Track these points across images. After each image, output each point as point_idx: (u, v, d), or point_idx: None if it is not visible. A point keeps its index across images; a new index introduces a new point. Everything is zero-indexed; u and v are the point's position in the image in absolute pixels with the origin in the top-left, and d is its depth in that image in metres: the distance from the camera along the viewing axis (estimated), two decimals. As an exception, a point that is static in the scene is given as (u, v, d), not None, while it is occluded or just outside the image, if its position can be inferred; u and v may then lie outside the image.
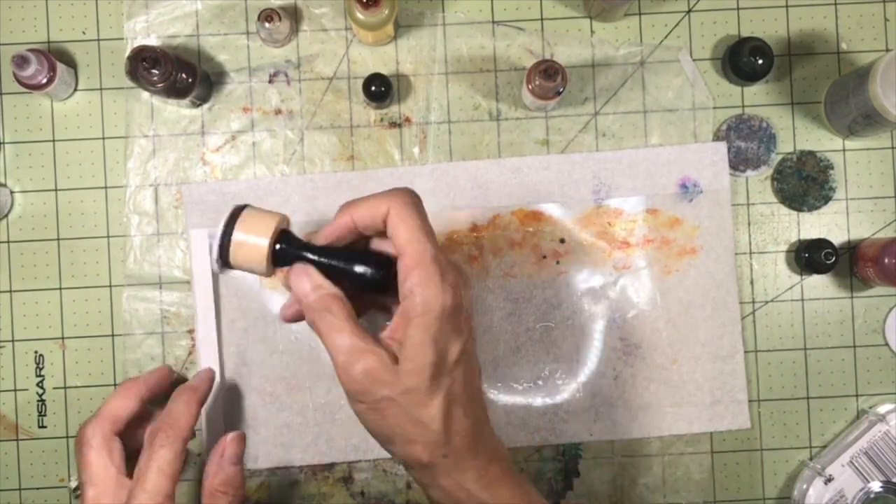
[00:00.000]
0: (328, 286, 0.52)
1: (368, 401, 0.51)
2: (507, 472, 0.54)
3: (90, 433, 0.59)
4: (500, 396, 0.69)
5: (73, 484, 0.64)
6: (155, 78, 0.63)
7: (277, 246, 0.52)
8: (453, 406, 0.52)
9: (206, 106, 0.70)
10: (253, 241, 0.52)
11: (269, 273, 0.53)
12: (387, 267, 0.52)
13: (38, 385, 0.70)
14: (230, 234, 0.52)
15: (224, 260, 0.52)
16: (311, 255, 0.53)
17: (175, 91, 0.66)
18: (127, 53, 0.69)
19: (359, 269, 0.52)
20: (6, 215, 0.70)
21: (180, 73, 0.65)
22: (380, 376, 0.50)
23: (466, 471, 0.53)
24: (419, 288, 0.50)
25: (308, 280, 0.52)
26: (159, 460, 0.57)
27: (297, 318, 0.55)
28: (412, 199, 0.52)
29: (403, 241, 0.51)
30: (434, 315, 0.50)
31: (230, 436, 0.61)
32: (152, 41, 0.70)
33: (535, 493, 0.56)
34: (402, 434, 0.52)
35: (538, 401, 0.69)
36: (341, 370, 0.51)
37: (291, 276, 0.53)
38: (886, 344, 0.71)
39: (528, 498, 0.55)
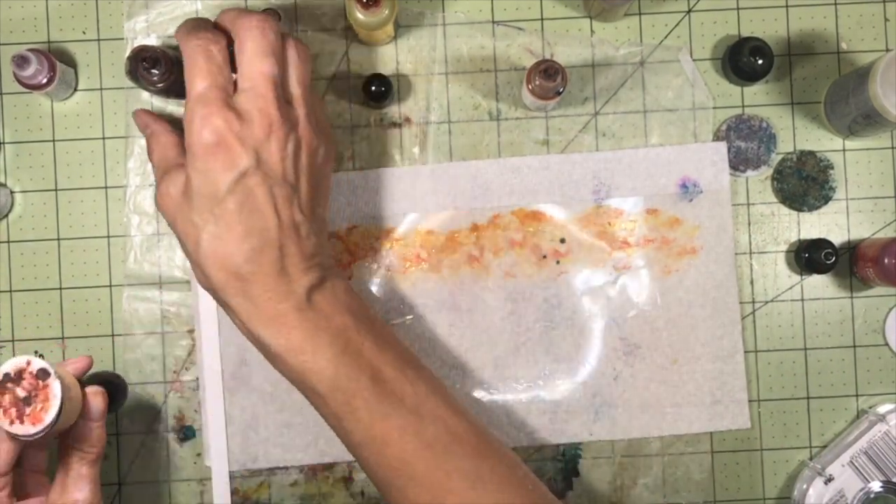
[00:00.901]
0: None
1: (169, 226, 0.57)
2: (299, 317, 0.55)
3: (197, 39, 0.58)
4: (500, 396, 0.69)
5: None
6: (155, 78, 0.63)
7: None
8: (216, 241, 0.54)
9: (206, 106, 0.70)
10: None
11: None
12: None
13: (38, 385, 0.70)
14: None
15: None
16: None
17: (175, 91, 0.65)
18: (127, 53, 0.69)
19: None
20: (6, 215, 0.70)
21: (180, 73, 0.65)
22: (167, 204, 0.56)
23: (237, 306, 0.55)
24: (187, 126, 0.54)
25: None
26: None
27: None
28: (200, 41, 0.55)
29: (186, 83, 0.56)
30: (194, 154, 0.54)
31: (90, 390, 0.58)
32: (152, 41, 0.70)
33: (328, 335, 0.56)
34: (186, 256, 0.57)
35: (538, 401, 0.69)
36: (155, 193, 0.58)
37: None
38: (886, 344, 0.71)
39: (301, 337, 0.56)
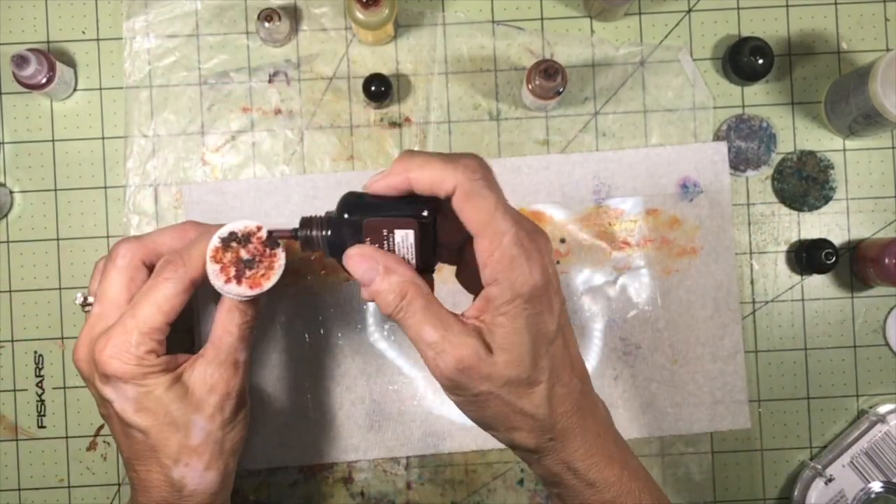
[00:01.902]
0: (400, 267, 0.48)
1: (465, 395, 0.48)
2: (615, 446, 0.52)
3: (122, 252, 0.56)
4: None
5: (80, 298, 0.61)
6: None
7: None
8: (556, 386, 0.49)
9: (205, 106, 0.70)
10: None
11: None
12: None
13: (37, 385, 0.70)
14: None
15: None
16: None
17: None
18: (125, 52, 0.69)
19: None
20: (6, 215, 0.70)
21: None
22: (476, 370, 0.47)
23: (575, 450, 0.50)
24: (503, 274, 0.46)
25: (373, 264, 0.48)
26: (159, 292, 0.53)
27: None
28: (483, 174, 0.47)
29: (479, 224, 0.47)
30: (523, 300, 0.46)
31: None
32: (152, 41, 0.70)
33: (642, 467, 0.54)
34: (505, 422, 0.49)
35: (538, 401, 0.69)
36: (432, 365, 0.47)
37: (352, 266, 0.49)
38: (887, 344, 0.71)
39: (636, 475, 0.52)
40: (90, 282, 0.59)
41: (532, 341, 0.47)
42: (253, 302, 0.56)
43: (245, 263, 0.53)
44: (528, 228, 0.48)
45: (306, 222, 0.51)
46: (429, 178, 0.47)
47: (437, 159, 0.47)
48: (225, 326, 0.56)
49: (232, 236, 0.53)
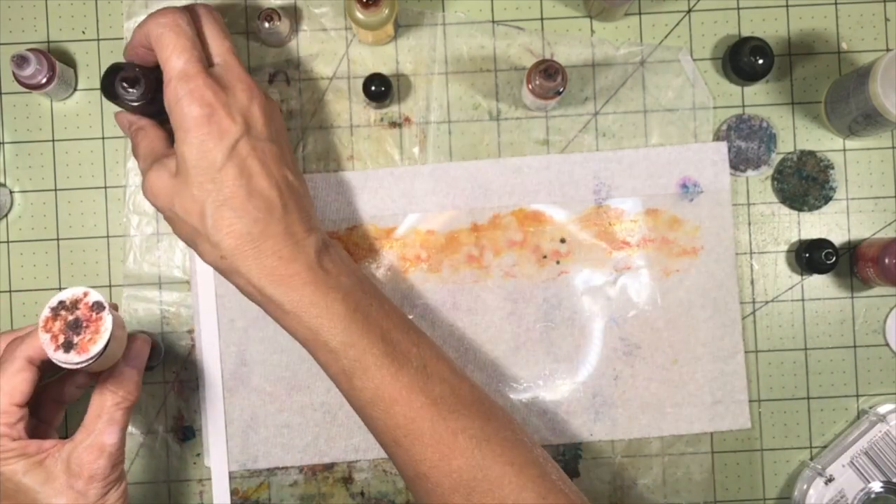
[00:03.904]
0: (124, 116, 0.63)
1: (164, 213, 0.59)
2: (308, 270, 0.57)
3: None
4: (500, 396, 0.69)
5: None
6: (132, 95, 0.62)
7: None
8: (222, 209, 0.55)
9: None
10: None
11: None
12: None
13: (37, 385, 0.70)
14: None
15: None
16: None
17: (149, 110, 0.64)
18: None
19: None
20: (6, 215, 0.70)
21: (157, 89, 0.62)
22: (160, 189, 0.57)
23: (249, 269, 0.56)
24: (172, 105, 0.55)
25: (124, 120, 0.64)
26: None
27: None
28: (167, 20, 0.57)
29: (162, 65, 0.57)
30: (182, 130, 0.55)
31: (137, 336, 0.59)
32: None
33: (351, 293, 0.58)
34: (189, 238, 0.58)
35: (538, 401, 0.69)
36: (143, 185, 0.59)
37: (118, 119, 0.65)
38: (887, 344, 0.71)
39: (332, 296, 0.57)
40: None
41: (193, 161, 0.55)
42: (123, 382, 0.57)
43: (73, 329, 0.52)
44: (225, 69, 0.58)
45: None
46: (139, 38, 0.59)
47: (143, 21, 0.59)
48: (94, 408, 0.56)
49: (61, 304, 0.53)
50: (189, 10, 0.59)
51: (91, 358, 0.52)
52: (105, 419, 0.56)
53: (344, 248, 0.69)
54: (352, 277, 0.59)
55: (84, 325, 0.52)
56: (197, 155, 0.55)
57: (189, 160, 0.55)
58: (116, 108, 0.70)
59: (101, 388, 0.57)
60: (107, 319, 0.53)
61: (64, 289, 0.55)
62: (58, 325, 0.52)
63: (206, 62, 0.57)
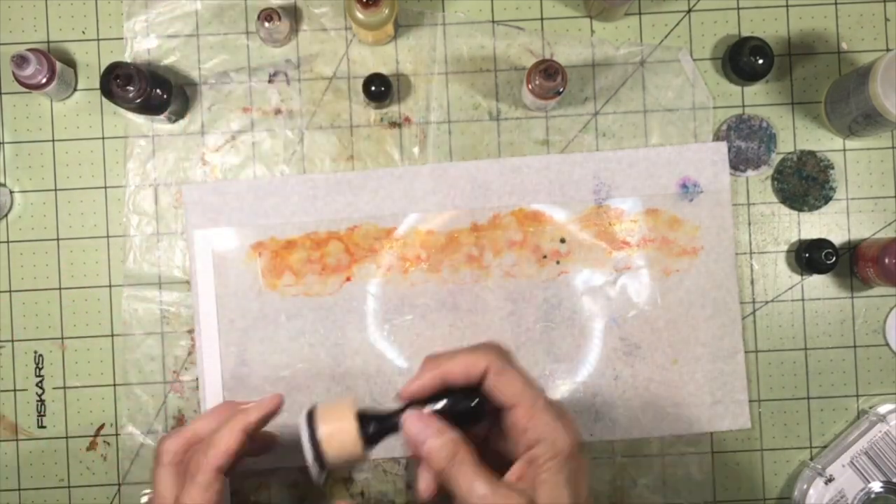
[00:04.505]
0: (450, 430, 0.53)
1: None
2: None
3: (165, 449, 0.59)
4: (500, 396, 0.69)
5: (145, 499, 0.63)
6: (130, 94, 0.63)
7: (369, 426, 0.53)
8: None
9: (205, 106, 0.70)
10: (339, 429, 0.53)
11: (365, 457, 0.54)
12: (477, 395, 0.53)
13: (37, 385, 0.70)
14: (315, 434, 0.53)
15: (321, 461, 0.53)
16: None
17: (150, 108, 0.65)
18: (125, 54, 0.69)
19: (462, 405, 0.53)
20: (6, 215, 0.70)
21: (154, 89, 0.65)
22: None
23: None
24: (546, 434, 0.51)
25: (427, 426, 0.53)
26: (194, 493, 0.57)
27: (437, 489, 0.54)
28: (506, 353, 0.54)
29: (515, 394, 0.52)
30: (564, 456, 0.51)
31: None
32: (152, 41, 0.70)
33: None
34: None
35: (538, 401, 0.69)
36: None
37: (408, 425, 0.53)
38: (887, 344, 0.71)
39: None
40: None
41: (573, 494, 0.51)
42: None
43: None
44: (552, 399, 0.53)
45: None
46: (462, 366, 0.53)
47: (463, 350, 0.54)
48: None
49: None
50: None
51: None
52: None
53: (344, 248, 0.69)
54: None
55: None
56: (573, 488, 0.52)
57: (567, 494, 0.52)
58: (117, 109, 0.70)
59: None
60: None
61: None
62: None
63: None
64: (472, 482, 0.51)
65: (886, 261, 0.66)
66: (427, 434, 0.52)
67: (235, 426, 0.58)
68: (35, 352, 0.70)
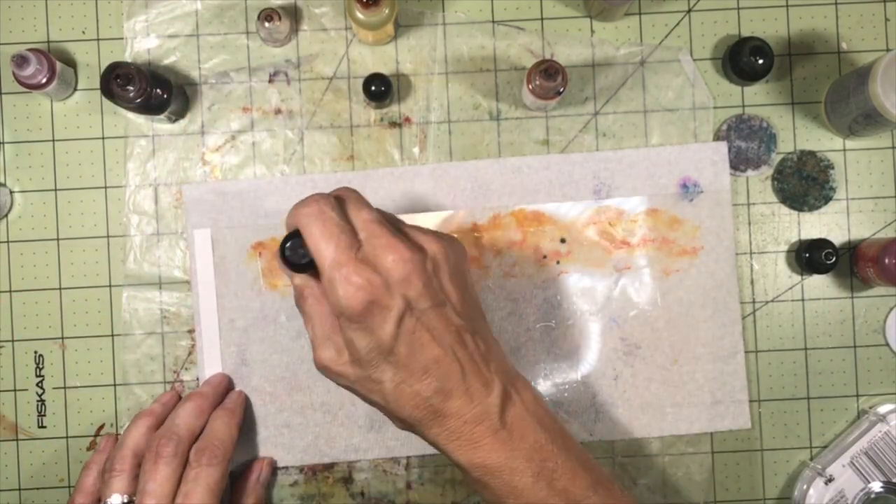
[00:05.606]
0: (297, 279, 0.57)
1: (338, 384, 0.58)
2: (491, 433, 0.55)
3: (164, 443, 0.62)
4: (500, 396, 0.69)
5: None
6: (130, 94, 0.63)
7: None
8: (401, 385, 0.55)
9: (205, 105, 0.70)
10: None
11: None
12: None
13: (37, 385, 0.70)
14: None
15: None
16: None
17: (150, 107, 0.65)
18: (126, 53, 0.69)
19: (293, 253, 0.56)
20: (6, 215, 0.70)
21: (154, 89, 0.65)
22: (330, 369, 0.56)
23: (436, 435, 0.56)
24: (329, 295, 0.53)
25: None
26: (207, 478, 0.60)
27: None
28: (312, 209, 0.54)
29: (315, 257, 0.54)
30: (344, 318, 0.53)
31: (266, 460, 0.68)
32: (152, 41, 0.70)
33: (554, 456, 0.56)
34: (375, 406, 0.57)
35: (538, 401, 0.69)
36: (315, 360, 0.57)
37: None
38: (887, 344, 0.71)
39: (531, 459, 0.56)
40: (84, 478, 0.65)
41: (364, 349, 0.54)
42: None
43: None
44: (373, 245, 0.54)
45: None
46: (289, 226, 0.56)
47: (292, 209, 0.55)
48: None
49: None
50: (334, 195, 0.56)
51: None
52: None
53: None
54: (539, 432, 0.57)
55: None
56: (364, 342, 0.54)
57: (359, 348, 0.54)
58: (117, 108, 0.70)
59: None
60: None
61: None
62: None
63: (356, 242, 0.54)
64: (307, 323, 0.57)
65: (886, 261, 0.66)
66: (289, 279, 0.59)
67: (231, 421, 0.65)
68: (35, 352, 0.70)
